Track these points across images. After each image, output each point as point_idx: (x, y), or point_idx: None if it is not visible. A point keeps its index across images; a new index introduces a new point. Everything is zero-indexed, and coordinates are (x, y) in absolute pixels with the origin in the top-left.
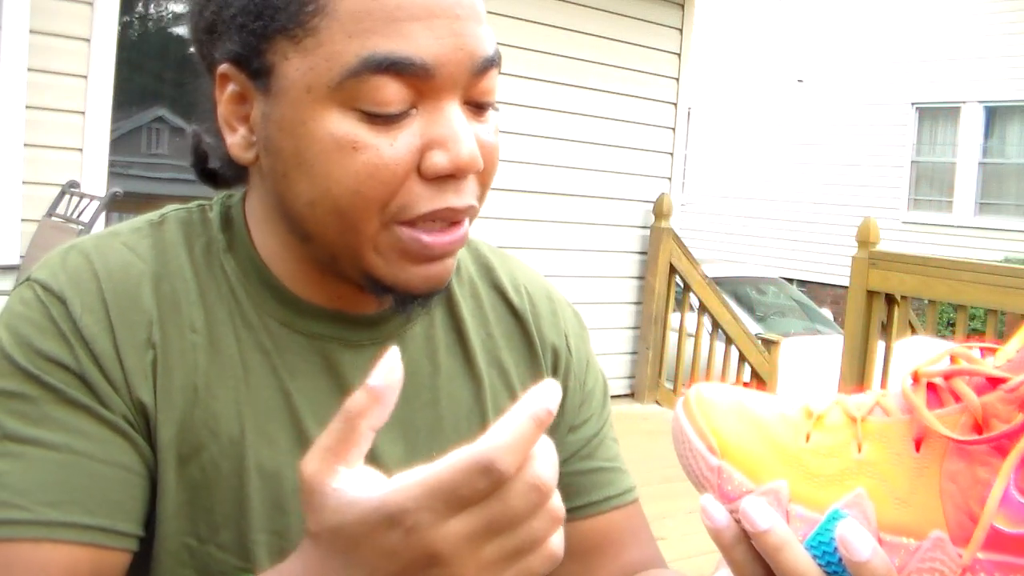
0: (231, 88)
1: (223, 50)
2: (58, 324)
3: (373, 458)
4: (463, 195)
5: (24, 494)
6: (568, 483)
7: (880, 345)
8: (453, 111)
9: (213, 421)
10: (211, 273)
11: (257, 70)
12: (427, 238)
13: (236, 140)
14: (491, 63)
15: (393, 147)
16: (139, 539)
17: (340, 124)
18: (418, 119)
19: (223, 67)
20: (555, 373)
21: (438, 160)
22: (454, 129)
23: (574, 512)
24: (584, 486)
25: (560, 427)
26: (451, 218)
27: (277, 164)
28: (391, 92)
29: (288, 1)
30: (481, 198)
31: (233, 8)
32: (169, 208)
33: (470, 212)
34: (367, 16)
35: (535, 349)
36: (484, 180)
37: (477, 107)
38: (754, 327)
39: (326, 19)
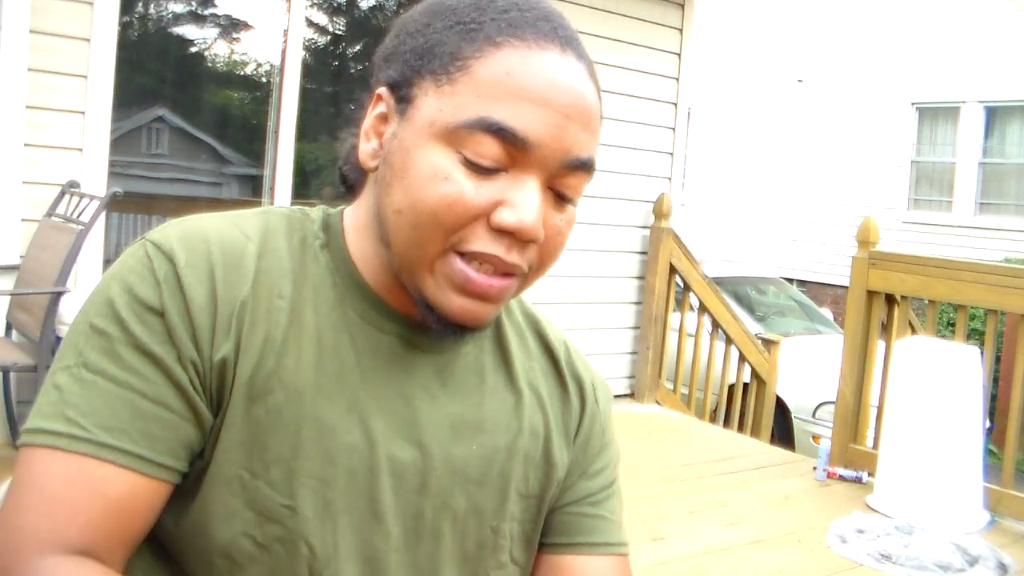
0: (381, 108)
1: (387, 75)
2: (157, 274)
3: (422, 445)
4: (514, 254)
5: (86, 415)
6: (570, 522)
7: (880, 345)
8: (533, 185)
9: (283, 371)
10: (304, 261)
11: (403, 96)
12: (473, 274)
13: (367, 149)
14: (582, 165)
15: (475, 192)
16: (180, 474)
17: (443, 158)
18: (504, 180)
19: (381, 89)
20: (582, 410)
21: (505, 215)
22: (527, 197)
23: (568, 548)
24: (584, 527)
25: (575, 468)
26: (498, 266)
27: (387, 173)
28: (491, 150)
29: (445, 55)
30: (534, 272)
31: (408, 46)
32: (271, 206)
33: (517, 271)
34: (497, 87)
35: (566, 386)
36: (543, 259)
37: (559, 197)
38: (754, 327)
39: (466, 77)
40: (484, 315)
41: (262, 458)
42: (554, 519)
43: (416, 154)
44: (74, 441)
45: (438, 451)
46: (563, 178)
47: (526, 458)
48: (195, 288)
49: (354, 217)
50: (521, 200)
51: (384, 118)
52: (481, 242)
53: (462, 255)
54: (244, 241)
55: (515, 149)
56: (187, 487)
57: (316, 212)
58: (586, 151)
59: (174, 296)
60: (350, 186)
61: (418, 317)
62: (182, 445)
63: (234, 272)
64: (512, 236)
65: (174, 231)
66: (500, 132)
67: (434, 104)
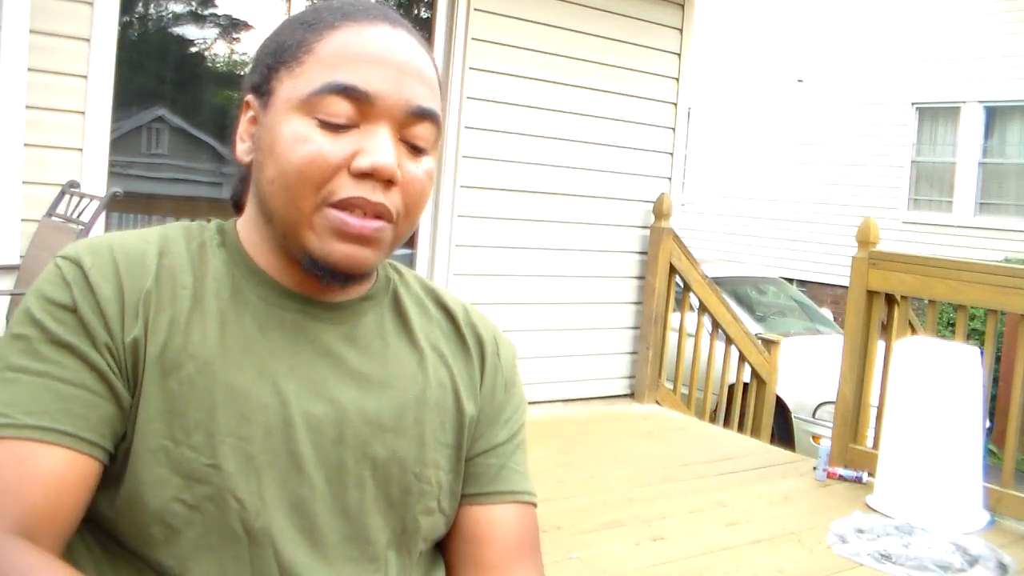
0: (250, 113)
1: (251, 82)
2: (67, 278)
3: (334, 401)
4: (379, 194)
5: (10, 406)
6: (479, 472)
7: (880, 345)
8: (384, 132)
9: (191, 346)
10: (203, 259)
11: (264, 92)
12: (348, 218)
13: (243, 148)
14: (425, 115)
15: (333, 146)
16: (106, 452)
17: (301, 126)
18: (357, 133)
19: (248, 96)
20: (482, 364)
21: (362, 160)
22: (378, 143)
23: (476, 497)
24: (490, 477)
25: (483, 419)
26: (367, 208)
27: (259, 156)
28: (341, 108)
29: (293, 45)
30: (403, 219)
31: (263, 51)
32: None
33: (385, 212)
34: (339, 57)
35: (467, 344)
36: (407, 204)
37: (412, 148)
38: (754, 327)
39: (311, 56)
40: (364, 259)
41: (182, 426)
42: (466, 470)
43: (279, 129)
44: (2, 428)
45: (350, 405)
46: (411, 127)
47: (439, 407)
48: (102, 284)
49: (243, 219)
50: (374, 146)
51: (254, 120)
52: (347, 189)
53: (335, 206)
54: (145, 245)
55: (361, 104)
56: (116, 470)
57: (211, 223)
58: (427, 102)
59: (84, 293)
60: (237, 203)
61: (305, 274)
62: (104, 423)
63: (137, 268)
64: (373, 178)
65: (80, 244)
66: (345, 90)
67: (288, 85)
